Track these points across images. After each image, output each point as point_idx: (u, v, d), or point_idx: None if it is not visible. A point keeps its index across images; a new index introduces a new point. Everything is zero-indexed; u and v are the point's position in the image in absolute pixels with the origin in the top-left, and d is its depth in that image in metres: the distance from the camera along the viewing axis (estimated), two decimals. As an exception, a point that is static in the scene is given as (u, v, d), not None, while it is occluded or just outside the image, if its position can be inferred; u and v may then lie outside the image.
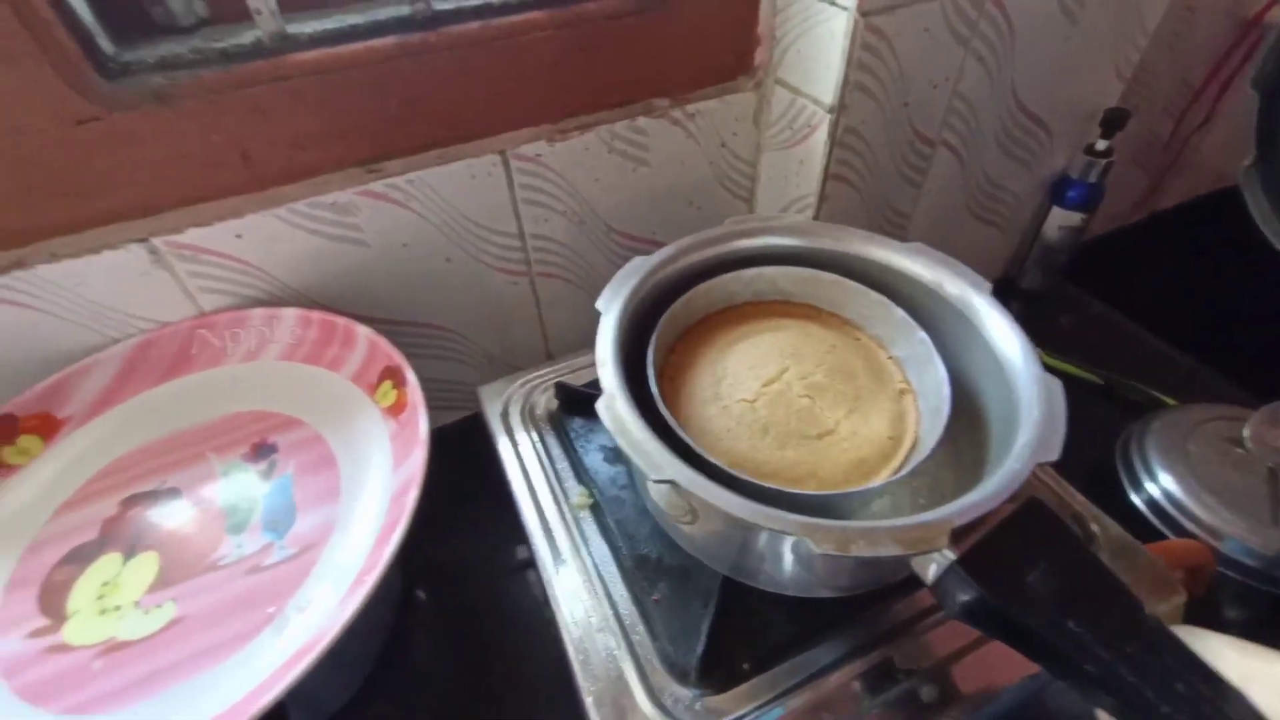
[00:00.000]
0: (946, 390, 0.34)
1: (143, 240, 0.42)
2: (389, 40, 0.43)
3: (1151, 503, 0.50)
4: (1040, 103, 0.60)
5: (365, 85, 0.44)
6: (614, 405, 0.30)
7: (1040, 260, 0.72)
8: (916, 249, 0.39)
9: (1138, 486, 0.51)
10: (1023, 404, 0.31)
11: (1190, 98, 0.79)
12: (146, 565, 0.36)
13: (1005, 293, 0.77)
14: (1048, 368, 0.64)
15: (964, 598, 0.25)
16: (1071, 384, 0.63)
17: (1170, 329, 0.71)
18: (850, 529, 0.25)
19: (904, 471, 0.31)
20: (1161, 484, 0.49)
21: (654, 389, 0.34)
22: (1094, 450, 0.57)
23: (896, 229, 0.63)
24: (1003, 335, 0.34)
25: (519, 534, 0.43)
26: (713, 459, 0.31)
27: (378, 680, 0.45)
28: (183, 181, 0.42)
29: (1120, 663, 0.22)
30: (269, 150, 0.44)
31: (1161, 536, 0.48)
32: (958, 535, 0.26)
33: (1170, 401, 0.59)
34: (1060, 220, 0.68)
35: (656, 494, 0.36)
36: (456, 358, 0.60)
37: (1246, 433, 0.49)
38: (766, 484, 0.30)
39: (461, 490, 0.56)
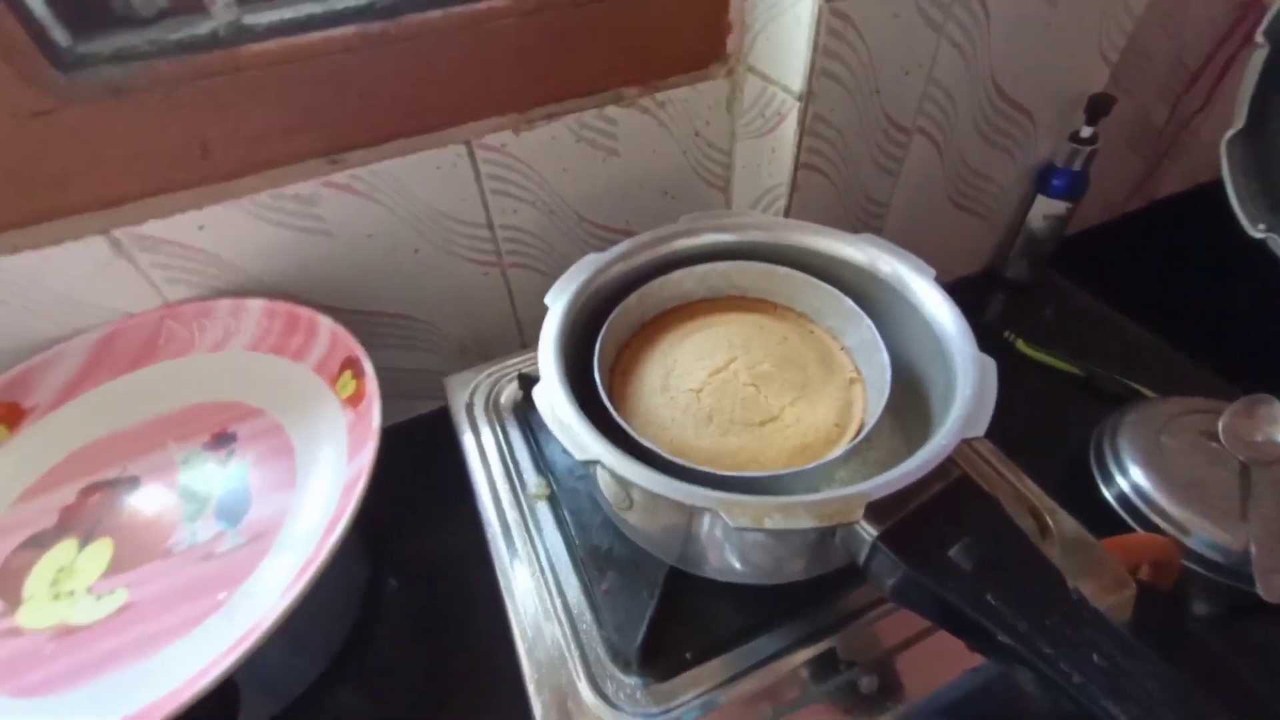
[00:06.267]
0: (888, 375, 0.33)
1: (103, 232, 0.42)
2: (347, 30, 0.43)
3: (1121, 497, 0.49)
4: (1021, 89, 0.59)
5: (324, 77, 0.44)
6: (548, 391, 0.30)
7: (1025, 250, 0.71)
8: (866, 239, 0.38)
9: (1109, 480, 0.50)
10: (958, 384, 0.30)
11: (1187, 81, 0.77)
12: (101, 552, 0.37)
13: (990, 284, 0.76)
14: (1027, 359, 0.64)
15: (891, 579, 0.25)
16: (1051, 376, 0.64)
17: (1158, 322, 0.70)
18: (766, 503, 0.25)
19: (838, 454, 0.31)
20: (1132, 478, 0.49)
21: (597, 378, 0.34)
22: (1070, 443, 0.56)
23: (874, 219, 0.62)
24: (941, 316, 0.34)
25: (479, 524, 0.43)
26: (650, 444, 0.31)
27: (341, 666, 0.46)
28: (142, 175, 0.42)
29: (1037, 634, 0.23)
30: (228, 143, 0.44)
31: (1129, 531, 0.47)
32: (882, 512, 0.26)
33: (1149, 394, 0.58)
34: (1045, 209, 0.67)
35: (601, 483, 0.36)
36: (429, 348, 0.60)
37: (1220, 426, 0.48)
38: (701, 468, 0.30)
39: (435, 481, 0.57)
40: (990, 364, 0.30)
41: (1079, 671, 0.22)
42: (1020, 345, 0.65)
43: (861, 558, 0.27)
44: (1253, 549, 0.43)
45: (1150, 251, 0.89)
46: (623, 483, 0.31)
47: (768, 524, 0.25)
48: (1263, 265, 0.78)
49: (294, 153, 0.45)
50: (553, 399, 0.30)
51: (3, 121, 0.37)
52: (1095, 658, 0.22)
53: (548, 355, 0.33)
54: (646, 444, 0.31)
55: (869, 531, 0.26)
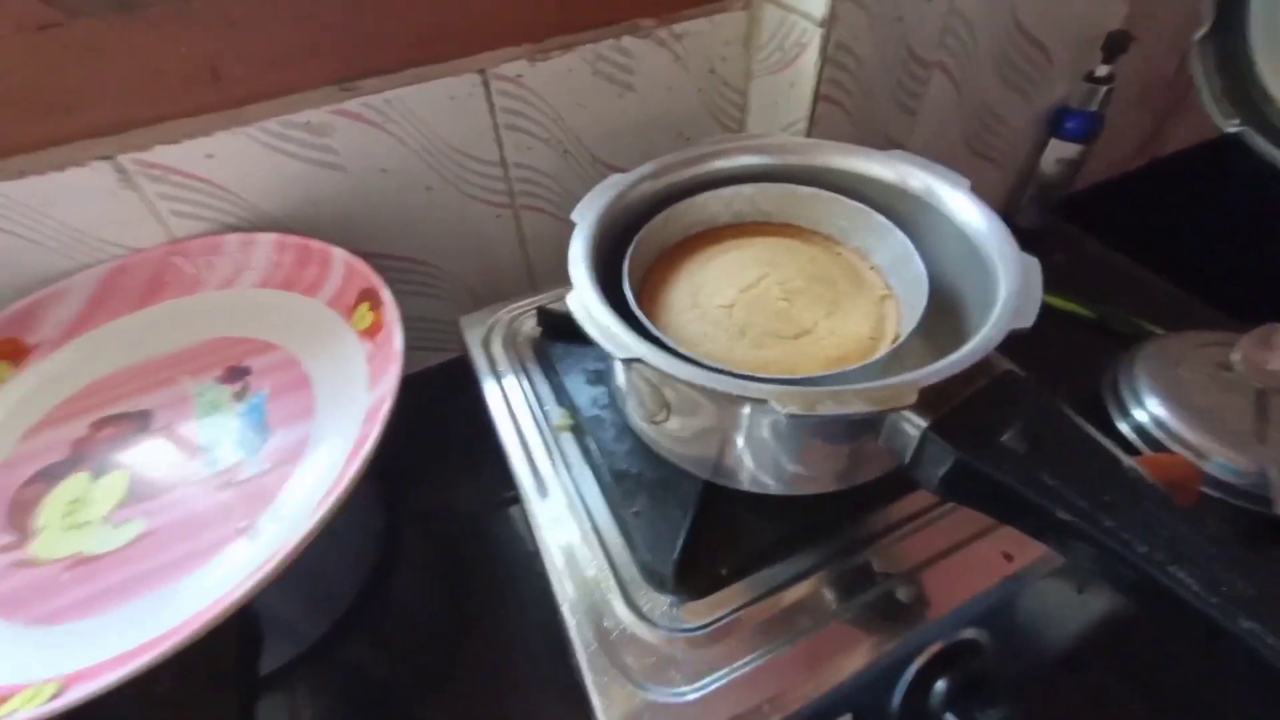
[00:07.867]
0: (924, 285, 0.33)
1: (109, 158, 0.41)
2: (363, -55, 0.41)
3: (1138, 428, 0.49)
4: (1041, 24, 0.58)
5: (338, -3, 0.42)
6: (582, 296, 0.29)
7: (1036, 196, 0.71)
8: (897, 156, 0.38)
9: (1125, 413, 0.50)
10: (1000, 286, 0.30)
11: (1196, 31, 0.76)
12: (116, 483, 0.36)
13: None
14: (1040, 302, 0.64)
15: (941, 469, 0.25)
16: (1064, 319, 0.63)
17: (1166, 266, 0.70)
18: (818, 391, 0.25)
19: (879, 356, 0.31)
20: (1149, 409, 0.49)
21: (628, 292, 0.33)
22: (1085, 382, 0.56)
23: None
24: (978, 223, 0.33)
25: (502, 464, 0.42)
26: (686, 352, 0.30)
27: (358, 612, 0.45)
28: (150, 97, 0.41)
29: (1097, 510, 0.22)
30: (240, 67, 0.42)
31: (1149, 460, 0.47)
32: (930, 404, 0.25)
33: (1161, 333, 0.58)
34: (1058, 152, 0.66)
35: (631, 398, 0.35)
36: (438, 294, 0.59)
37: (1236, 356, 0.48)
38: (740, 371, 0.29)
39: (445, 433, 0.56)
40: (1034, 263, 0.30)
41: (1142, 541, 0.22)
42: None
43: (909, 453, 0.27)
44: (1270, 470, 0.43)
45: (1158, 208, 0.89)
46: (662, 385, 0.31)
47: (820, 410, 0.24)
48: (1269, 218, 0.78)
49: (306, 78, 0.44)
50: (587, 303, 0.29)
51: (8, 35, 0.36)
52: (1159, 529, 0.22)
53: (578, 264, 0.32)
54: (684, 353, 0.30)
55: (918, 424, 0.26)
